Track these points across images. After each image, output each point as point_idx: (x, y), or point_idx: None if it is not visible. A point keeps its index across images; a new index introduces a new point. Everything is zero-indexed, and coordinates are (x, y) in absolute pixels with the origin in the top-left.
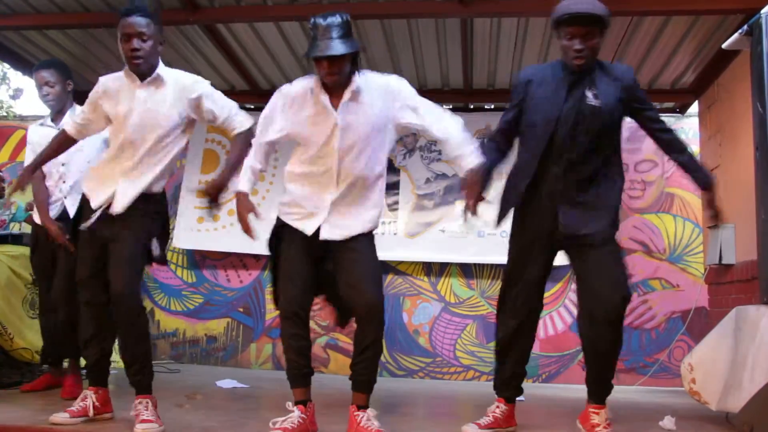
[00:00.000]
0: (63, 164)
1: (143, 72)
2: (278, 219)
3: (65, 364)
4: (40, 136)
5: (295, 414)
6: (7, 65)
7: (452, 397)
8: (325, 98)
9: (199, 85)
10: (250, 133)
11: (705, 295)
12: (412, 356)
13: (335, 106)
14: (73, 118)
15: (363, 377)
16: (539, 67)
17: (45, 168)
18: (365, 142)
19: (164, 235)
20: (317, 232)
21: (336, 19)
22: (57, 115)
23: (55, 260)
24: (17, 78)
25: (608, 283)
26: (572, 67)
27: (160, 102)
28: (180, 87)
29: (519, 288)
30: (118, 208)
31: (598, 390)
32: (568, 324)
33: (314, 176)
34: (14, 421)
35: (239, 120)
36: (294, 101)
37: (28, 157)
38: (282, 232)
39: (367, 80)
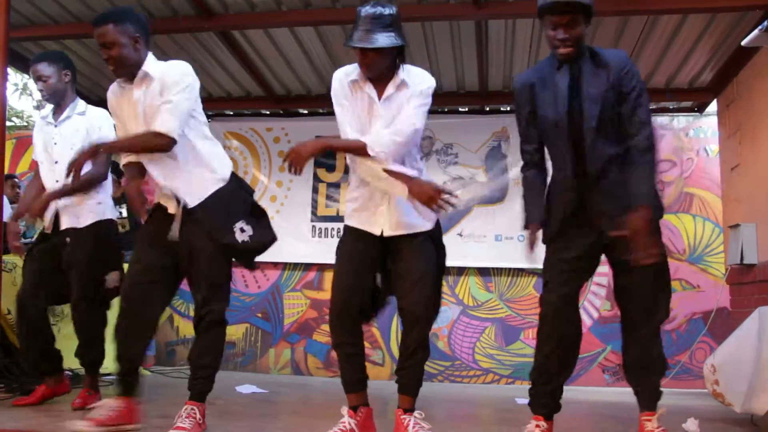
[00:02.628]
0: (56, 162)
1: (129, 74)
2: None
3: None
4: (44, 138)
5: (345, 420)
6: (27, 76)
7: (472, 401)
8: (370, 89)
9: (172, 75)
10: (158, 137)
11: (726, 295)
12: (431, 360)
13: (378, 96)
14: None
15: (412, 381)
16: (534, 69)
17: (40, 168)
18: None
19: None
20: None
21: (378, 11)
22: (57, 109)
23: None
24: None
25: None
26: (558, 57)
27: (153, 97)
28: (164, 78)
29: None
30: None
31: (645, 396)
32: (588, 326)
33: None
34: (34, 428)
35: (163, 119)
36: (344, 86)
37: (37, 155)
38: (344, 232)
39: (410, 75)
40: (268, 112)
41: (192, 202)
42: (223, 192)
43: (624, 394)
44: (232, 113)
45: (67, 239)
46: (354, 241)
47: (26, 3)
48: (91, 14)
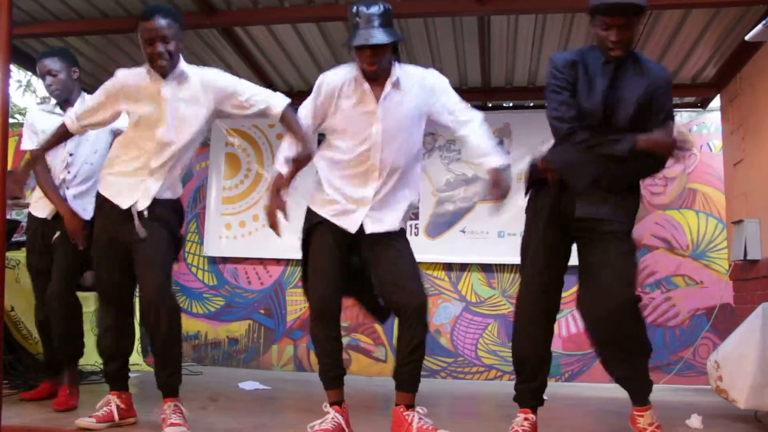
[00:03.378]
0: (71, 154)
1: (163, 70)
2: (311, 213)
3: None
4: (45, 123)
5: (331, 415)
6: (30, 73)
7: (475, 397)
8: (367, 88)
9: (225, 78)
10: (292, 107)
11: (730, 291)
12: (434, 356)
13: (376, 96)
14: (75, 111)
15: (415, 377)
16: (576, 52)
17: (48, 158)
18: (405, 133)
19: (179, 239)
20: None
21: (379, 9)
22: (64, 105)
23: (51, 259)
24: (41, 86)
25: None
26: (608, 57)
27: (188, 99)
28: (204, 82)
29: None
30: (143, 207)
31: (634, 390)
32: None
33: (353, 167)
34: (40, 423)
35: (278, 99)
36: (336, 89)
37: (27, 142)
38: (314, 226)
39: (405, 71)
40: None
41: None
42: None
43: None
44: None
45: (58, 232)
46: (326, 233)
47: (29, 0)
48: (94, 11)
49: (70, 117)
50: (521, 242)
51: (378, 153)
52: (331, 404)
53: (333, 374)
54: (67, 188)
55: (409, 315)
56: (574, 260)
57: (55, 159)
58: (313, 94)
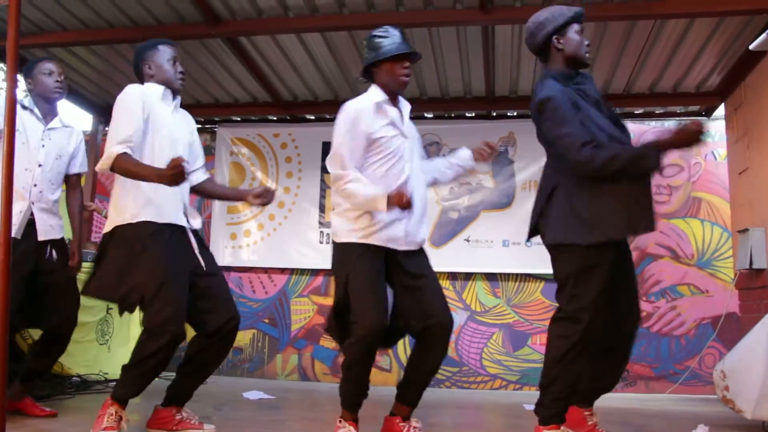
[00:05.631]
0: (39, 165)
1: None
2: (349, 239)
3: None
4: (30, 131)
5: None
6: None
7: (479, 407)
8: (392, 109)
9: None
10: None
11: (736, 300)
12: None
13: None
14: (124, 136)
15: (420, 395)
16: (554, 86)
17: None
18: (418, 152)
19: None
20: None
21: (400, 30)
22: (48, 111)
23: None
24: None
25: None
26: (584, 65)
27: (190, 129)
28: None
29: None
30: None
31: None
32: None
33: (390, 187)
34: None
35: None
36: (365, 114)
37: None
38: (356, 252)
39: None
40: (275, 118)
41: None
42: None
43: (633, 399)
44: (239, 119)
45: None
46: (373, 259)
47: (35, 10)
48: (100, 21)
49: (124, 147)
50: (572, 278)
51: (408, 171)
52: (349, 421)
53: (361, 399)
54: (33, 203)
55: (436, 335)
56: None
57: (20, 171)
58: (344, 128)
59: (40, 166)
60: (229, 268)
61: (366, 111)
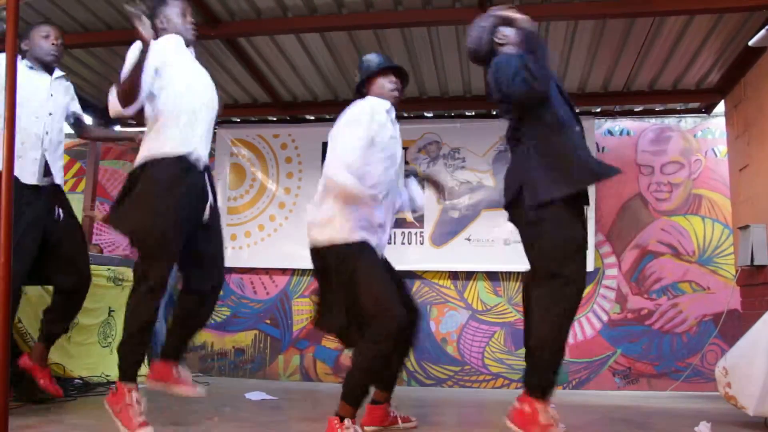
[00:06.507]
0: (50, 114)
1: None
2: (350, 238)
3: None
4: (36, 86)
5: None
6: None
7: (482, 406)
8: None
9: None
10: None
11: (737, 297)
12: (441, 365)
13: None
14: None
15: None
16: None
17: (24, 116)
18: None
19: None
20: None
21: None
22: (45, 69)
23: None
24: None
25: None
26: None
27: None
28: None
29: None
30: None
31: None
32: (598, 329)
33: (382, 194)
34: None
35: None
36: (382, 113)
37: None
38: (361, 250)
39: None
40: (275, 119)
41: None
42: None
43: (635, 397)
44: (239, 120)
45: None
46: (374, 253)
47: (34, 13)
48: (98, 23)
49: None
50: (566, 239)
51: (395, 179)
52: (353, 419)
53: (367, 396)
54: (46, 151)
55: (416, 326)
56: None
57: (30, 118)
58: (372, 127)
59: (50, 114)
60: (230, 269)
61: (383, 109)
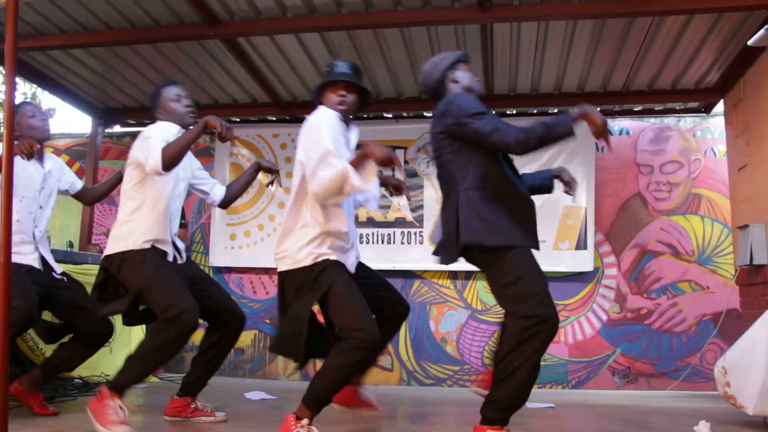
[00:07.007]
0: (40, 207)
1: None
2: (316, 257)
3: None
4: (28, 176)
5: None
6: (35, 85)
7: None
8: (343, 125)
9: None
10: None
11: (736, 296)
12: (440, 364)
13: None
14: (156, 143)
15: None
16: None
17: (20, 206)
18: None
19: None
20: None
21: (349, 63)
22: (39, 147)
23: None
24: (47, 98)
25: None
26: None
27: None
28: None
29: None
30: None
31: None
32: (597, 329)
33: (347, 207)
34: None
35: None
36: (336, 121)
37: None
38: (328, 266)
39: None
40: (274, 119)
41: None
42: None
43: (635, 396)
44: (238, 120)
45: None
46: (343, 268)
47: (34, 13)
48: (98, 23)
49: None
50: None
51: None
52: (311, 421)
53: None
54: (38, 243)
55: (403, 316)
56: (566, 268)
57: (22, 210)
58: (333, 134)
59: (40, 208)
60: (229, 269)
61: (336, 118)
